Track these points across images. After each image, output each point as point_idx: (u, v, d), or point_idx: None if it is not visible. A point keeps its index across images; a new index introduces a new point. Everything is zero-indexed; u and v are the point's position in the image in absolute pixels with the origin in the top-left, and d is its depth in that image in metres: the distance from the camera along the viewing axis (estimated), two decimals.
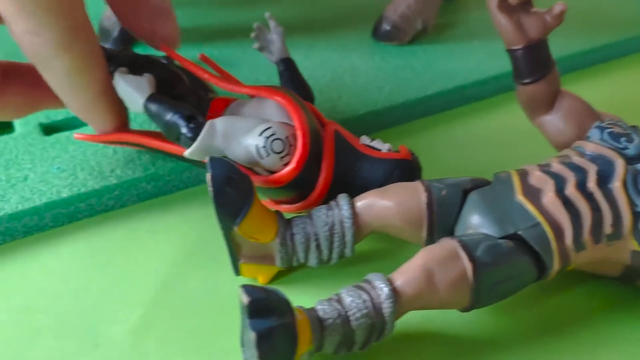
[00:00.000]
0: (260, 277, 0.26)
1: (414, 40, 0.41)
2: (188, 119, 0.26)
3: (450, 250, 0.22)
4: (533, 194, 0.24)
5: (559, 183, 0.24)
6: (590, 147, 0.25)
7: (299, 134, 0.25)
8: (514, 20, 0.27)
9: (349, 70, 0.38)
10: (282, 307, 0.20)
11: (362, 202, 0.25)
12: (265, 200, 0.28)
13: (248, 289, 0.20)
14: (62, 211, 0.29)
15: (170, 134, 0.26)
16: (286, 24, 0.43)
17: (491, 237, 0.23)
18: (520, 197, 0.24)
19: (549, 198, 0.23)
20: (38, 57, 0.24)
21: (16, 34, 0.23)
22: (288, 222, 0.25)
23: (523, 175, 0.24)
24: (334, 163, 0.26)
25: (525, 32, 0.27)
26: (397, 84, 0.37)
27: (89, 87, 0.26)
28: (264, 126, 0.25)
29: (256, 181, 0.25)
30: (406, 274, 0.22)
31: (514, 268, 0.23)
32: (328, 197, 0.26)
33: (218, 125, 0.25)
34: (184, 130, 0.26)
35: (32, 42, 0.23)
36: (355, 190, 0.26)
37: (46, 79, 0.25)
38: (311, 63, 0.39)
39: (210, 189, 0.23)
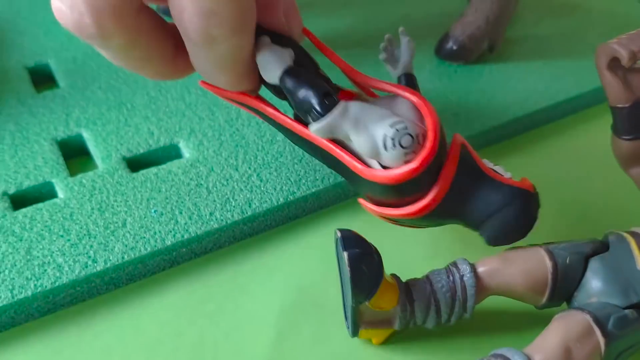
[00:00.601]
0: (374, 338, 0.27)
1: (479, 59, 0.41)
2: (324, 95, 0.25)
3: (584, 326, 0.23)
4: None
5: None
6: None
7: (430, 134, 0.24)
8: (621, 79, 0.27)
9: None
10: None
11: (485, 268, 0.26)
12: (363, 200, 0.27)
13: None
14: (165, 257, 0.29)
15: (300, 107, 0.25)
16: (345, 37, 0.43)
17: (618, 308, 0.24)
18: None
19: None
20: (204, 38, 0.23)
21: (185, 14, 0.22)
22: (408, 288, 0.26)
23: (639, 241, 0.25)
24: (454, 175, 0.24)
25: (632, 90, 0.27)
26: (471, 110, 0.37)
27: (239, 65, 0.25)
28: (396, 119, 0.24)
29: (370, 174, 0.24)
30: (545, 352, 0.23)
31: (638, 335, 0.24)
32: (437, 210, 0.25)
33: (351, 108, 0.24)
34: (315, 105, 0.25)
35: (203, 24, 0.22)
36: (468, 208, 0.25)
37: (197, 60, 0.25)
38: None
39: (347, 268, 0.23)
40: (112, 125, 0.35)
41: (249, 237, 0.31)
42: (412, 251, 0.31)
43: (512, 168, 0.35)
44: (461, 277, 0.26)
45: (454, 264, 0.26)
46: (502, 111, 0.37)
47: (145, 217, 0.30)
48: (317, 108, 0.25)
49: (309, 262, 0.30)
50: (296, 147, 0.34)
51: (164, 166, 0.32)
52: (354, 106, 0.24)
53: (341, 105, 0.24)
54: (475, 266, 0.26)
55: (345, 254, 0.24)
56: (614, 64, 0.27)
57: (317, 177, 0.32)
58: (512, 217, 0.24)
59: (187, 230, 0.29)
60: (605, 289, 0.25)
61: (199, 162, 0.33)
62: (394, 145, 0.23)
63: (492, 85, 0.39)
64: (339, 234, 0.24)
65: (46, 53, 0.40)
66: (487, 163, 0.26)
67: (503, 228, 0.25)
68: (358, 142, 0.24)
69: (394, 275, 0.26)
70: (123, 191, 0.31)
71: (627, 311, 0.24)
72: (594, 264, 0.25)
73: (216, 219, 0.30)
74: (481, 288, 0.26)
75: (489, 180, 0.25)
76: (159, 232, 0.29)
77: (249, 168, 0.33)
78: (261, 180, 0.32)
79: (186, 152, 0.34)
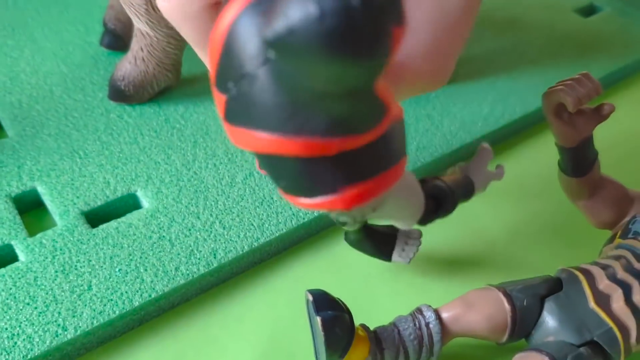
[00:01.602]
0: None
1: None
2: None
3: None
4: (603, 300, 0.26)
5: (626, 291, 0.26)
6: None
7: None
8: (567, 122, 0.28)
9: None
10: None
11: (449, 314, 0.27)
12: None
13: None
14: (134, 317, 0.29)
15: None
16: None
17: (573, 346, 0.25)
18: (593, 305, 0.26)
19: (619, 306, 0.26)
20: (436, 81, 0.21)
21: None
22: (377, 337, 0.27)
23: (591, 280, 0.27)
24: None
25: (578, 131, 0.29)
26: (421, 139, 0.38)
27: None
28: None
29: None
30: None
31: None
32: None
33: None
34: None
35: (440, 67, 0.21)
36: None
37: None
38: None
39: (320, 332, 0.24)
40: (66, 177, 0.34)
41: (216, 286, 0.32)
42: (375, 288, 0.32)
43: None
44: (427, 324, 0.27)
45: (419, 311, 0.27)
46: (450, 138, 0.38)
47: (110, 278, 0.30)
48: None
49: (278, 308, 0.31)
50: (256, 189, 0.34)
51: (124, 219, 0.32)
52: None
53: None
54: (439, 312, 0.27)
55: (318, 319, 0.24)
56: (560, 108, 0.28)
57: (280, 220, 0.33)
58: None
59: (153, 288, 0.30)
60: (561, 328, 0.26)
61: (159, 212, 0.33)
62: None
63: (440, 111, 0.40)
64: (310, 297, 0.25)
65: None
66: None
67: None
68: None
69: (363, 326, 0.27)
70: (85, 250, 0.31)
71: (582, 349, 0.25)
72: (549, 304, 0.27)
73: (182, 274, 0.30)
74: (446, 333, 0.27)
75: None
76: (126, 292, 0.29)
77: (211, 215, 0.33)
78: (224, 228, 0.32)
79: (145, 202, 0.34)
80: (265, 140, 0.15)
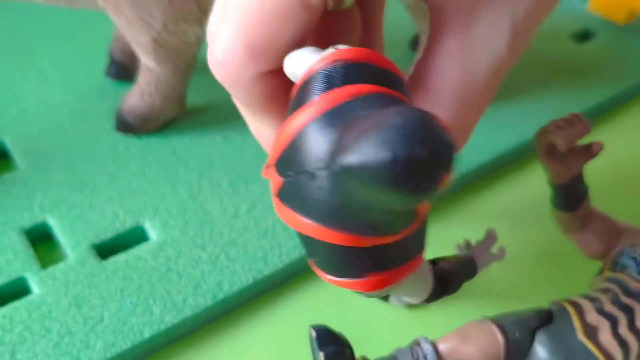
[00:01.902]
0: None
1: None
2: None
3: None
4: (591, 333, 0.27)
5: (614, 324, 0.27)
6: (632, 285, 0.29)
7: None
8: (559, 160, 0.30)
9: None
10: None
11: (445, 346, 0.28)
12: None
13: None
14: (144, 349, 0.31)
15: None
16: None
17: None
18: (582, 337, 0.27)
19: (607, 339, 0.27)
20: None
21: None
22: None
23: (580, 312, 0.28)
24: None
25: (569, 169, 0.30)
26: None
27: None
28: None
29: None
30: None
31: None
32: None
33: None
34: None
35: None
36: None
37: None
38: None
39: None
40: (76, 209, 0.36)
41: (221, 317, 0.33)
42: (376, 318, 0.33)
43: (460, 221, 0.38)
44: (424, 356, 0.28)
45: (417, 343, 0.29)
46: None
47: (121, 310, 0.31)
48: None
49: (282, 339, 0.32)
50: (260, 220, 0.36)
51: (132, 251, 0.34)
52: None
53: None
54: (436, 344, 0.28)
55: (321, 354, 0.26)
56: (552, 148, 0.30)
57: (283, 252, 0.34)
58: None
59: (163, 320, 0.31)
60: (551, 358, 0.27)
61: (166, 244, 0.34)
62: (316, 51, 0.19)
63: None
64: (313, 334, 0.26)
65: (0, 131, 0.40)
66: None
67: None
68: None
69: (364, 358, 0.28)
70: (96, 283, 0.32)
71: None
72: (540, 335, 0.28)
73: (190, 306, 0.31)
74: None
75: None
76: (137, 324, 0.31)
77: (217, 247, 0.34)
78: (229, 260, 0.34)
79: (153, 234, 0.35)
80: (309, 226, 0.17)
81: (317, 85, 0.16)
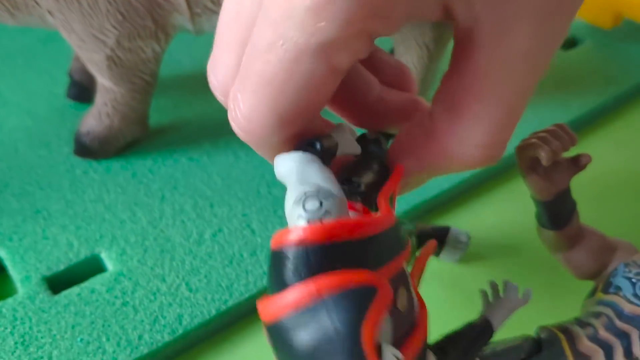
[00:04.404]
0: None
1: None
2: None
3: None
4: None
5: (608, 353, 0.25)
6: (627, 308, 0.26)
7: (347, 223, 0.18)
8: (542, 175, 0.27)
9: None
10: None
11: None
12: None
13: None
14: None
15: None
16: None
17: None
18: None
19: None
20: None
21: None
22: None
23: (571, 341, 0.26)
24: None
25: (554, 184, 0.28)
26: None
27: None
28: (328, 186, 0.19)
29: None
30: None
31: None
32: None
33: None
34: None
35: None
36: None
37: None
38: None
39: None
40: (29, 239, 0.33)
41: (182, 353, 0.30)
42: None
43: None
44: None
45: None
46: (429, 184, 0.37)
47: (72, 348, 0.29)
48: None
49: None
50: (225, 246, 0.33)
51: (87, 284, 0.31)
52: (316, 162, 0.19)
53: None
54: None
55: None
56: (535, 162, 0.27)
57: (250, 280, 0.32)
58: None
59: (116, 359, 0.28)
60: None
61: (123, 276, 0.32)
62: (298, 201, 0.17)
63: None
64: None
65: None
66: None
67: None
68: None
69: None
70: (46, 319, 0.30)
71: None
72: None
73: (145, 343, 0.29)
74: None
75: None
76: None
77: (177, 277, 0.32)
78: (190, 291, 0.31)
79: (109, 264, 0.32)
80: None
81: (289, 270, 0.16)
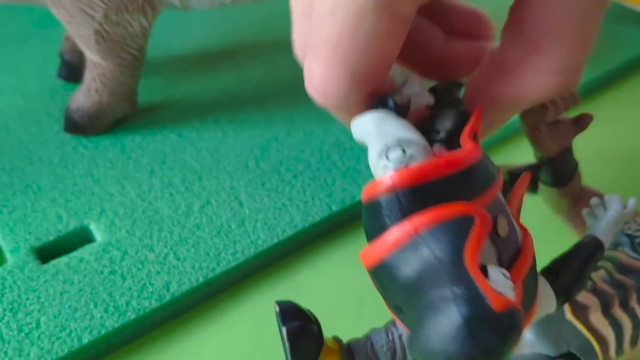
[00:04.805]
0: None
1: None
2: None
3: None
4: (580, 311, 0.25)
5: (604, 302, 0.25)
6: (626, 262, 0.26)
7: (425, 165, 0.18)
8: (547, 133, 0.28)
9: (335, 146, 0.38)
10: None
11: None
12: None
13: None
14: (84, 355, 0.28)
15: None
16: (256, 90, 0.42)
17: (549, 358, 0.25)
18: (570, 316, 0.25)
19: (597, 317, 0.25)
20: None
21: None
22: (350, 351, 0.26)
23: None
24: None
25: (556, 142, 0.28)
26: None
27: None
28: (411, 137, 0.19)
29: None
30: None
31: None
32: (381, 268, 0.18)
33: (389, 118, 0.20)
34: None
35: None
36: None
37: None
38: (296, 139, 0.39)
39: (286, 343, 0.23)
40: (18, 212, 0.33)
41: (170, 320, 0.31)
42: (340, 316, 0.31)
43: None
44: (400, 335, 0.26)
45: (393, 323, 0.27)
46: None
47: (59, 315, 0.29)
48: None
49: (235, 342, 0.30)
50: (213, 217, 0.33)
51: (75, 254, 0.31)
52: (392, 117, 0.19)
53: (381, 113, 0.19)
54: None
55: (283, 329, 0.23)
56: (538, 119, 0.28)
57: (237, 249, 0.32)
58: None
59: (103, 325, 0.29)
60: (537, 339, 0.25)
61: (111, 246, 0.32)
62: (381, 154, 0.18)
63: None
64: (277, 308, 0.24)
65: None
66: None
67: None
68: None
69: (335, 339, 0.26)
70: (34, 287, 0.30)
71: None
72: None
73: (133, 309, 0.29)
74: None
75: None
76: (75, 329, 0.28)
77: (165, 247, 0.32)
78: (178, 259, 0.31)
79: (97, 235, 0.33)
80: None
81: (384, 216, 0.16)
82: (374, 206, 0.17)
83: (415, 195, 0.16)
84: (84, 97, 0.37)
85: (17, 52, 0.45)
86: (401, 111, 0.19)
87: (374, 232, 0.17)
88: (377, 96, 0.19)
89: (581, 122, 0.28)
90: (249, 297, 0.32)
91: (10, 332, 0.28)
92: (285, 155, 0.37)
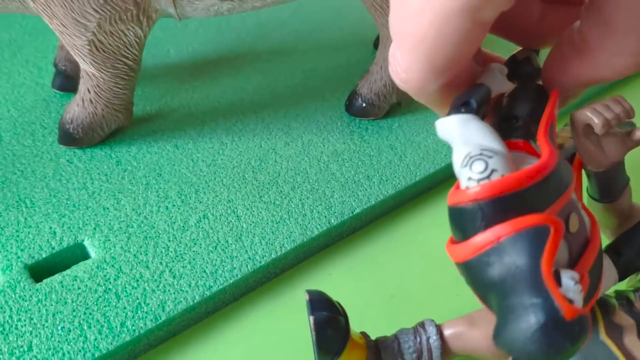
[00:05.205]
0: None
1: (388, 113, 0.41)
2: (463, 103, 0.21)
3: None
4: (615, 333, 0.25)
5: None
6: None
7: (501, 181, 0.19)
8: (597, 145, 0.26)
9: (333, 157, 0.37)
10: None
11: (451, 331, 0.26)
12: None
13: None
14: None
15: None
16: (254, 98, 0.42)
17: None
18: (604, 337, 0.24)
19: (631, 340, 0.24)
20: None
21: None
22: (377, 347, 0.26)
23: (605, 310, 0.25)
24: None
25: (607, 155, 0.27)
26: (384, 171, 0.37)
27: None
28: (494, 146, 0.20)
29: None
30: None
31: None
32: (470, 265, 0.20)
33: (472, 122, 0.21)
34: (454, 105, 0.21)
35: None
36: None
37: None
38: (294, 150, 0.38)
39: (312, 332, 0.23)
40: (11, 228, 0.33)
41: (166, 340, 0.30)
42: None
43: (426, 225, 0.35)
44: (427, 338, 0.26)
45: (422, 325, 0.26)
46: (414, 169, 0.37)
47: (52, 337, 0.28)
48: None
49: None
50: (210, 232, 0.33)
51: (69, 271, 0.31)
52: (474, 121, 0.20)
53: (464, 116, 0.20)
54: (442, 328, 0.26)
55: (311, 318, 0.24)
56: (588, 130, 0.26)
57: (235, 265, 0.31)
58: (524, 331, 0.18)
59: (97, 347, 0.28)
60: None
61: (105, 263, 0.31)
62: (465, 164, 0.19)
63: (403, 141, 0.39)
64: (307, 297, 0.25)
65: None
66: None
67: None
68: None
69: (363, 334, 0.26)
70: (27, 307, 0.29)
71: None
72: None
73: (128, 330, 0.29)
74: (446, 350, 0.26)
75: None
76: (68, 352, 0.28)
77: (161, 263, 0.31)
78: (174, 277, 0.31)
79: (92, 252, 0.32)
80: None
81: (468, 222, 0.18)
82: (459, 212, 0.19)
83: (497, 205, 0.18)
84: (78, 108, 0.36)
85: (11, 61, 0.44)
86: (482, 108, 0.21)
87: (460, 231, 0.19)
88: (460, 94, 0.21)
89: (634, 137, 0.26)
90: (247, 315, 0.31)
91: (1, 356, 0.27)
92: (283, 167, 0.37)
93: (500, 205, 0.18)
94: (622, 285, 0.28)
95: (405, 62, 0.20)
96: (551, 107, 0.23)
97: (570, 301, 0.18)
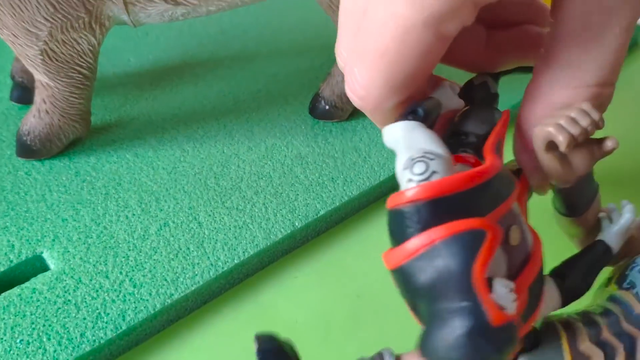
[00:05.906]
0: None
1: (353, 115, 0.40)
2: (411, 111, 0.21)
3: None
4: None
5: (609, 356, 0.23)
6: (637, 309, 0.24)
7: (445, 181, 0.19)
8: (562, 160, 0.23)
9: (297, 160, 0.37)
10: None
11: None
12: None
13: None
14: None
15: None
16: (216, 105, 0.41)
17: None
18: None
19: None
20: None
21: None
22: None
23: (572, 339, 0.24)
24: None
25: (574, 169, 0.24)
26: (348, 173, 0.36)
27: None
28: (433, 149, 0.20)
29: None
30: None
31: None
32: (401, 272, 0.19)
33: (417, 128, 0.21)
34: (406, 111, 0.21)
35: None
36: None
37: None
38: (257, 155, 0.38)
39: None
40: None
41: (127, 351, 0.29)
42: (305, 338, 0.30)
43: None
44: None
45: (380, 355, 0.25)
46: (377, 169, 0.37)
47: (10, 350, 0.28)
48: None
49: None
50: (171, 240, 0.32)
51: (28, 284, 0.30)
52: (420, 128, 0.20)
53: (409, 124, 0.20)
54: (401, 358, 0.25)
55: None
56: (552, 145, 0.23)
57: (197, 272, 0.31)
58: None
59: (56, 358, 0.27)
60: None
61: (65, 274, 0.31)
62: (406, 166, 0.19)
63: (367, 143, 0.39)
64: (256, 345, 0.22)
65: None
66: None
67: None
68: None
69: None
70: None
71: None
72: None
73: (88, 340, 0.28)
74: None
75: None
76: None
77: (121, 273, 0.31)
78: (135, 286, 0.30)
79: (51, 263, 0.31)
80: None
81: (405, 224, 0.18)
82: (397, 214, 0.18)
83: (435, 207, 0.18)
84: (34, 119, 0.36)
85: None
86: (430, 118, 0.20)
87: (396, 237, 0.18)
88: (409, 104, 0.20)
89: (604, 148, 0.23)
90: (211, 322, 0.31)
91: None
92: (246, 172, 0.36)
93: (438, 208, 0.18)
94: (588, 300, 0.26)
95: (365, 79, 0.20)
96: (501, 125, 0.22)
97: (501, 308, 0.17)
